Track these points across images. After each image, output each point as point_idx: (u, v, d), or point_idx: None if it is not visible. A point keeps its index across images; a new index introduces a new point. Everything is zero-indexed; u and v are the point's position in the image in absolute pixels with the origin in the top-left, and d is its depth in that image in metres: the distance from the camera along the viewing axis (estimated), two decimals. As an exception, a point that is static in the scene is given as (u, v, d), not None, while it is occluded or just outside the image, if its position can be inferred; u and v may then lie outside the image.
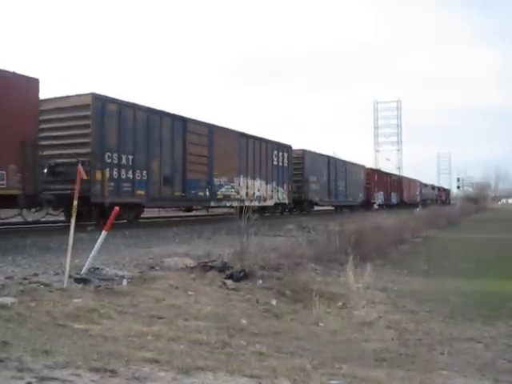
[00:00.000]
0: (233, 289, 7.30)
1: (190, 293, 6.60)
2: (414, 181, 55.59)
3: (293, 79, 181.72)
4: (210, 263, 8.34)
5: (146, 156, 15.01)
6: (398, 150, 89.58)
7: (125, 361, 3.76)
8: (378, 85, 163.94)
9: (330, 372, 4.11)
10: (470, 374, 4.59)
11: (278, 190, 22.89)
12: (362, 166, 37.15)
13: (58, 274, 6.64)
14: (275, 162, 22.57)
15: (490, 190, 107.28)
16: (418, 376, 4.32)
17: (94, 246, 6.58)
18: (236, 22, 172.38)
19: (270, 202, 22.23)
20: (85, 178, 6.66)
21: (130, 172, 14.39)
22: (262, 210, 20.97)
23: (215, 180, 18.24)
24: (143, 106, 15.26)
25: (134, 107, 14.85)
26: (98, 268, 6.94)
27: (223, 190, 18.83)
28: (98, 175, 13.36)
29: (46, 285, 5.98)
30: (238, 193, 19.66)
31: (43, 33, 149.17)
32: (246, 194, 20.33)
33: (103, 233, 6.52)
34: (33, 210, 11.61)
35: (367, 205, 35.37)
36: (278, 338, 5.37)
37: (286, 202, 23.96)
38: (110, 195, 13.60)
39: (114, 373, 3.49)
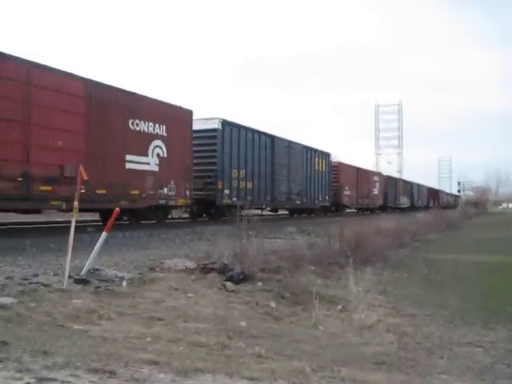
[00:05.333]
0: (232, 291, 7.28)
1: (189, 294, 6.60)
2: (443, 191, 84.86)
3: (293, 81, 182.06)
4: (209, 265, 8.31)
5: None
6: (399, 154, 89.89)
7: (124, 362, 3.76)
8: (379, 87, 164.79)
9: (329, 375, 4.11)
10: (470, 378, 4.59)
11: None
12: (426, 186, 66.40)
13: (57, 274, 6.62)
14: (414, 190, 50.84)
15: (491, 194, 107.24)
16: (417, 380, 4.32)
17: (94, 247, 6.58)
18: (239, 26, 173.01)
19: (405, 206, 48.22)
20: (85, 178, 6.63)
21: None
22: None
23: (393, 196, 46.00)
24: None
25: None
26: (97, 269, 6.92)
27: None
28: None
29: (45, 285, 5.96)
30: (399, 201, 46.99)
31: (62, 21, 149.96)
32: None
33: (103, 234, 6.50)
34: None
35: (427, 206, 59.16)
36: (278, 341, 5.37)
37: (409, 205, 50.25)
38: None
39: (113, 374, 3.49)
